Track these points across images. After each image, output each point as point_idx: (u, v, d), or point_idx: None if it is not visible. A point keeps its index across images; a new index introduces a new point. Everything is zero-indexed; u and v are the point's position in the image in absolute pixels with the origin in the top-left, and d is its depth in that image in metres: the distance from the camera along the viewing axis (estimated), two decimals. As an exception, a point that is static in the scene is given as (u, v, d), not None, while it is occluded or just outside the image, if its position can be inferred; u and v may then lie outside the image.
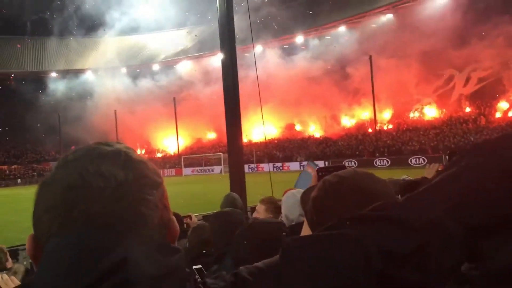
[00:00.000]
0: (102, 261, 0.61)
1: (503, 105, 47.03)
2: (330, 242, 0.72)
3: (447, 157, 2.68)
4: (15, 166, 65.02)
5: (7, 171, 62.93)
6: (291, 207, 3.03)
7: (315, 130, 60.06)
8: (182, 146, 65.35)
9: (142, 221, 0.69)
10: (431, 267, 0.69)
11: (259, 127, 52.95)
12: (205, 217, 7.96)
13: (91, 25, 68.76)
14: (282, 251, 0.73)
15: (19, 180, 60.05)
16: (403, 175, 4.90)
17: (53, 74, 71.04)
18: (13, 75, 70.25)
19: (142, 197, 0.71)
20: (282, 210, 3.22)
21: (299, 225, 2.87)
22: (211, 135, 65.78)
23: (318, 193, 1.28)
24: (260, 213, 3.96)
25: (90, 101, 66.15)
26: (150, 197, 0.72)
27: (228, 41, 8.97)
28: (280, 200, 4.33)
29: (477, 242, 0.74)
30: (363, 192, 1.19)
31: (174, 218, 0.78)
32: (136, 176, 0.72)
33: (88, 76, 71.30)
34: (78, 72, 71.61)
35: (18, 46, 69.65)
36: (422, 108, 54.26)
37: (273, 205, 4.02)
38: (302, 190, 3.34)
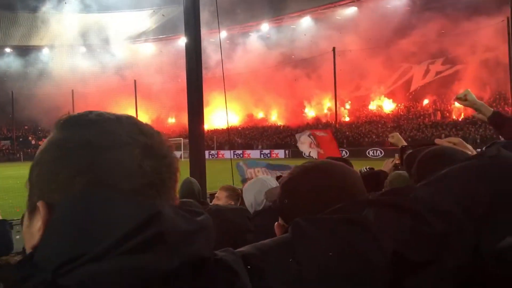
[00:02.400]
0: (136, 213, 0.59)
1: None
2: (340, 224, 0.73)
3: (399, 151, 2.82)
4: (-36, 144, 62.30)
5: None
6: (258, 192, 3.00)
7: (276, 119, 60.40)
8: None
9: (174, 181, 0.72)
10: (447, 257, 0.72)
11: (220, 113, 52.75)
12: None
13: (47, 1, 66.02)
14: (294, 229, 0.73)
15: (-32, 158, 57.58)
16: (365, 166, 4.95)
17: (7, 50, 68.10)
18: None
19: (174, 156, 0.73)
20: (247, 196, 3.19)
21: (264, 210, 2.86)
22: (172, 120, 65.01)
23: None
24: (221, 199, 3.95)
25: (46, 79, 63.81)
26: (175, 156, 0.74)
27: (193, 25, 8.78)
28: (240, 188, 4.33)
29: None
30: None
31: None
32: (162, 138, 0.73)
33: (45, 53, 68.72)
34: (34, 48, 68.89)
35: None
36: (380, 101, 55.60)
37: (235, 193, 4.05)
38: (269, 177, 3.31)
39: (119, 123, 0.71)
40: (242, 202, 4.83)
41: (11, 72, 64.76)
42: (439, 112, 47.77)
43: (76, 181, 0.64)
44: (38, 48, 68.83)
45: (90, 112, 0.73)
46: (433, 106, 50.05)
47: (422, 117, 48.03)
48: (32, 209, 0.68)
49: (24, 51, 68.57)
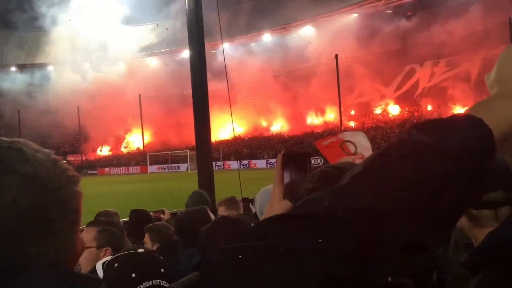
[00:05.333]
0: None
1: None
2: (261, 255, 0.50)
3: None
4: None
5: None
6: (263, 200, 3.03)
7: (281, 128, 60.45)
8: (147, 141, 64.51)
9: (70, 221, 0.62)
10: (373, 266, 0.51)
11: (225, 124, 52.79)
12: (172, 215, 7.84)
13: (54, 18, 66.73)
14: (202, 264, 0.53)
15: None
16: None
17: (13, 68, 68.83)
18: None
19: (72, 190, 0.62)
20: (256, 206, 3.22)
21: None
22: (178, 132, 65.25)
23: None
24: (222, 213, 3.98)
25: (51, 96, 64.23)
26: (76, 190, 0.64)
27: (196, 37, 8.87)
28: (239, 198, 4.38)
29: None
30: None
31: None
32: (62, 168, 0.63)
33: (49, 71, 69.36)
34: (39, 66, 69.56)
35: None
36: (385, 106, 55.62)
37: (232, 201, 4.06)
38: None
39: (1, 151, 0.59)
40: (246, 210, 4.87)
41: (17, 91, 65.29)
42: (444, 116, 47.65)
43: None
44: (42, 66, 69.53)
45: None
46: (438, 110, 49.94)
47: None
48: None
49: (29, 69, 69.27)
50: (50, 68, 69.31)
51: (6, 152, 0.59)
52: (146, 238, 3.71)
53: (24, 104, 61.48)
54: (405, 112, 53.41)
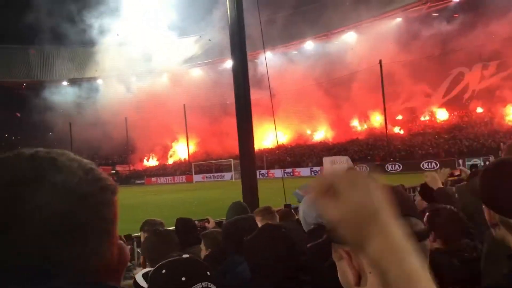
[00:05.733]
0: None
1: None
2: None
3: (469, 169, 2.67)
4: (28, 174, 65.61)
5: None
6: (307, 209, 3.00)
7: (325, 135, 59.94)
8: (192, 151, 65.53)
9: (101, 230, 0.62)
10: None
11: (268, 133, 52.89)
12: (217, 223, 7.92)
13: (101, 33, 69.30)
14: None
15: (31, 188, 60.56)
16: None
17: (64, 83, 71.84)
18: (24, 84, 71.22)
19: (104, 198, 0.64)
20: (300, 215, 3.20)
21: (316, 229, 2.82)
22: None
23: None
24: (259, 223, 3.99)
25: (101, 109, 66.49)
26: (110, 199, 0.65)
27: (238, 47, 8.97)
28: (275, 208, 4.39)
29: None
30: None
31: None
32: (95, 177, 0.64)
33: (98, 84, 71.92)
34: (88, 80, 72.28)
35: (32, 52, 70.62)
36: (432, 111, 54.11)
37: (267, 211, 4.08)
38: None
39: (30, 159, 0.62)
40: (289, 215, 4.86)
41: (68, 104, 67.99)
42: (494, 120, 45.82)
43: None
44: (92, 80, 72.18)
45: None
46: (489, 113, 48.10)
47: (478, 125, 46.22)
48: None
49: (79, 83, 72.11)
50: (99, 81, 71.85)
51: (40, 161, 0.61)
52: (202, 244, 3.83)
53: (75, 117, 63.95)
54: (454, 117, 51.72)
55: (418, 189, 4.40)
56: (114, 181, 0.68)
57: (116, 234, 0.63)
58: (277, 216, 4.25)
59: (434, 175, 3.62)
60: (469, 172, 4.77)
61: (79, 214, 0.59)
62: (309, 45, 61.67)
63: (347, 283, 0.81)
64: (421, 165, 39.88)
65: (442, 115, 53.33)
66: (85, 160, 0.66)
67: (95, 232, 0.60)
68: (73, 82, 72.21)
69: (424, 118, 54.75)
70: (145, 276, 2.01)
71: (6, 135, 72.40)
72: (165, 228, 4.22)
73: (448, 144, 43.62)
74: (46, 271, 0.54)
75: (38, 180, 0.58)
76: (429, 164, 39.62)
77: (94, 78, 72.04)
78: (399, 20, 54.56)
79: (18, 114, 69.12)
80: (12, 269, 0.54)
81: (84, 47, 71.49)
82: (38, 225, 0.56)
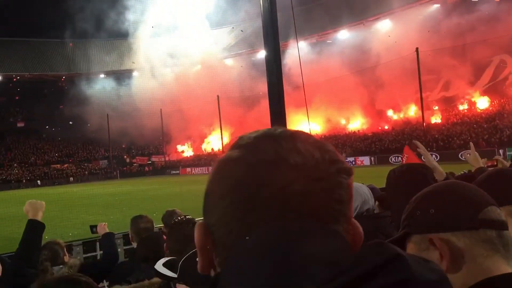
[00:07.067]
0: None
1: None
2: None
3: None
4: (67, 165, 67.70)
5: (60, 170, 65.59)
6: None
7: (361, 125, 59.13)
8: (226, 142, 65.94)
9: (334, 211, 0.60)
10: None
11: (301, 123, 52.59)
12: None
13: (138, 25, 70.33)
14: None
15: (71, 178, 62.50)
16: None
17: (102, 75, 73.35)
18: (64, 77, 73.20)
19: (340, 180, 0.61)
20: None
21: (359, 216, 2.68)
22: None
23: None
24: None
25: (137, 101, 67.56)
26: (345, 181, 0.62)
27: (272, 38, 8.92)
28: None
29: None
30: None
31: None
32: (331, 158, 0.62)
33: (134, 76, 73.05)
34: (126, 72, 73.57)
35: (70, 45, 72.43)
36: (471, 100, 52.46)
37: None
38: (361, 185, 3.11)
39: (274, 140, 0.62)
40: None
41: (106, 96, 69.42)
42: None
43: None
44: (128, 72, 73.43)
45: (250, 133, 0.69)
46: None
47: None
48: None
49: (116, 75, 73.51)
50: (135, 73, 72.99)
51: (279, 141, 0.61)
52: None
53: (112, 108, 65.31)
54: (494, 105, 49.95)
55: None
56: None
57: (351, 215, 0.64)
58: None
59: (476, 154, 3.55)
60: (507, 163, 4.62)
61: (316, 196, 0.59)
62: (343, 34, 60.76)
63: None
64: (459, 155, 38.86)
65: (482, 103, 51.61)
66: (320, 141, 0.66)
67: (329, 213, 0.60)
68: (110, 74, 73.65)
69: (463, 106, 53.16)
70: (166, 264, 2.00)
71: (47, 127, 74.78)
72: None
73: (488, 134, 42.28)
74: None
75: (279, 162, 0.59)
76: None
77: (130, 70, 73.22)
78: (436, 6, 53.01)
79: (62, 106, 71.12)
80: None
81: (121, 40, 72.83)
82: (280, 206, 0.57)
